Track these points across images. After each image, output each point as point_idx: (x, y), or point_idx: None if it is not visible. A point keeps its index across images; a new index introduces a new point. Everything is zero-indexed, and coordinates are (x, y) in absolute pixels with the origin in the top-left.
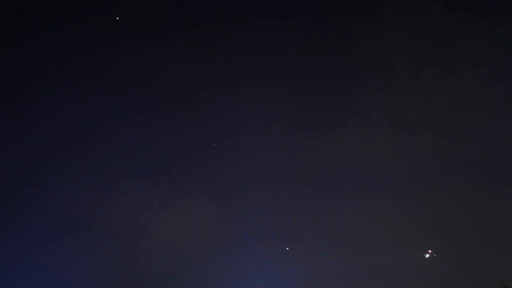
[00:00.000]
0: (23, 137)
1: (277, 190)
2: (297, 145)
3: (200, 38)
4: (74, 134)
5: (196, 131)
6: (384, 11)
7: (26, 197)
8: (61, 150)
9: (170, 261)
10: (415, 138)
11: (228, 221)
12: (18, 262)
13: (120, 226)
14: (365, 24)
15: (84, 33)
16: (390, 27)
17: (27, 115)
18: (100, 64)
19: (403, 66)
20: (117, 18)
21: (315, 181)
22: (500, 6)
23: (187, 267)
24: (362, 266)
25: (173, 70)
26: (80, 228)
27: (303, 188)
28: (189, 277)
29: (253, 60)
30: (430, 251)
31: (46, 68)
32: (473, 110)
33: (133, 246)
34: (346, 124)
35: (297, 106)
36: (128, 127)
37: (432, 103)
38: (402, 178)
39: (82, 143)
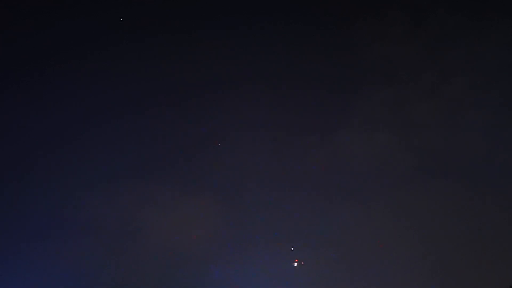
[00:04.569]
0: (20, 133)
1: (280, 189)
2: (300, 145)
3: (205, 38)
4: (73, 130)
5: (199, 130)
6: (386, 8)
7: (20, 194)
8: (58, 146)
9: (172, 261)
10: (418, 137)
11: (231, 221)
12: (13, 261)
13: (119, 225)
14: (367, 22)
15: (84, 32)
16: (393, 24)
17: (23, 109)
18: (100, 63)
19: (406, 64)
20: (121, 19)
21: (318, 180)
22: (504, 4)
23: (189, 267)
24: (367, 265)
25: (175, 68)
26: (77, 226)
27: (306, 188)
28: (191, 277)
29: (255, 60)
30: (297, 260)
31: (46, 65)
32: (476, 108)
33: (132, 245)
34: (349, 123)
35: (300, 105)
36: (128, 123)
37: (435, 101)
38: (406, 177)
39: (81, 140)
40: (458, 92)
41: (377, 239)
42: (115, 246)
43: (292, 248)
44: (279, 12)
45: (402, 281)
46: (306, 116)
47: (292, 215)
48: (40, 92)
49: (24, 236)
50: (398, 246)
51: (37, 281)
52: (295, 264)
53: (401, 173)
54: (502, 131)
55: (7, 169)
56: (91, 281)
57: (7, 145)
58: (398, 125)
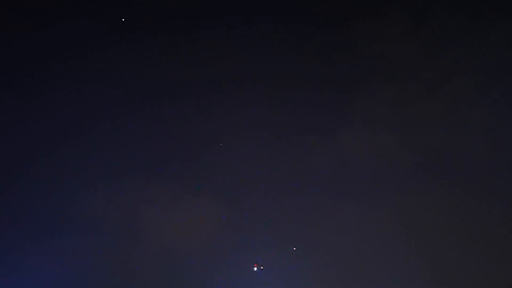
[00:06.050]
0: (20, 133)
1: (282, 189)
2: (302, 144)
3: (205, 38)
4: (73, 130)
5: (201, 129)
6: (386, 8)
7: (21, 194)
8: (58, 146)
9: (173, 261)
10: (419, 136)
11: (233, 221)
12: (11, 260)
13: (120, 225)
14: (367, 22)
15: (84, 32)
16: (393, 24)
17: (23, 109)
18: (100, 63)
19: (406, 63)
20: (123, 19)
21: (320, 179)
22: (504, 4)
23: (190, 268)
24: (369, 265)
25: (175, 68)
26: (77, 226)
27: (308, 187)
28: (193, 278)
29: (255, 60)
30: (256, 264)
31: (46, 65)
32: (478, 106)
33: (133, 246)
34: (350, 123)
35: (301, 105)
36: (129, 123)
37: (436, 101)
38: (407, 176)
39: (81, 139)
40: (458, 92)
41: (378, 239)
42: (116, 245)
43: (294, 248)
44: (279, 12)
45: (403, 281)
46: (307, 116)
47: (293, 214)
48: (40, 92)
49: (26, 236)
50: (400, 246)
51: (38, 280)
52: (255, 268)
53: (402, 172)
54: (503, 131)
55: (8, 169)
56: (92, 281)
57: (7, 145)
58: (399, 124)
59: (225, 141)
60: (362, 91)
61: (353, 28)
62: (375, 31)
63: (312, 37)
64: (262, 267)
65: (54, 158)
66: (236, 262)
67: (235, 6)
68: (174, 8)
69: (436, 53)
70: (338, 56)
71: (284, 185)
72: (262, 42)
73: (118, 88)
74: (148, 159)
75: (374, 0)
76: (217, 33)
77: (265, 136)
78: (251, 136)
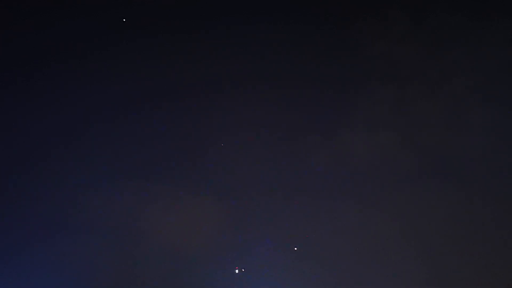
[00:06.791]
0: (20, 133)
1: (283, 189)
2: (302, 145)
3: (205, 38)
4: (73, 128)
5: (201, 129)
6: (386, 8)
7: (21, 195)
8: (58, 145)
9: (173, 262)
10: (421, 136)
11: (233, 221)
12: (11, 261)
13: (120, 226)
14: (367, 22)
15: (84, 32)
16: (393, 24)
17: (24, 109)
18: (100, 63)
19: (406, 63)
20: (124, 19)
21: (320, 180)
22: (504, 4)
23: (190, 269)
24: (371, 265)
25: (175, 68)
26: (77, 226)
27: (309, 187)
28: (193, 279)
29: (255, 60)
30: (237, 267)
31: (46, 65)
32: (478, 106)
33: (133, 246)
34: (350, 123)
35: (301, 104)
36: (129, 123)
37: (437, 101)
38: (409, 177)
39: (81, 140)
40: (458, 92)
41: (379, 239)
42: (117, 246)
43: (296, 248)
44: (279, 12)
45: (403, 282)
46: (307, 116)
47: (294, 214)
48: (40, 92)
49: (25, 236)
50: (400, 246)
51: (38, 281)
52: (236, 271)
53: (402, 172)
54: (503, 131)
55: (7, 169)
56: (92, 280)
57: (7, 145)
58: (399, 124)
59: (225, 141)
60: (362, 91)
61: (353, 28)
62: (375, 31)
63: (312, 37)
64: (243, 270)
65: (54, 158)
66: (236, 262)
67: (235, 6)
68: (174, 8)
69: (436, 53)
70: (338, 56)
71: (284, 185)
72: (262, 42)
73: (118, 88)
74: (148, 159)
75: (374, 0)
76: (217, 33)
77: (265, 136)
78: (251, 136)
